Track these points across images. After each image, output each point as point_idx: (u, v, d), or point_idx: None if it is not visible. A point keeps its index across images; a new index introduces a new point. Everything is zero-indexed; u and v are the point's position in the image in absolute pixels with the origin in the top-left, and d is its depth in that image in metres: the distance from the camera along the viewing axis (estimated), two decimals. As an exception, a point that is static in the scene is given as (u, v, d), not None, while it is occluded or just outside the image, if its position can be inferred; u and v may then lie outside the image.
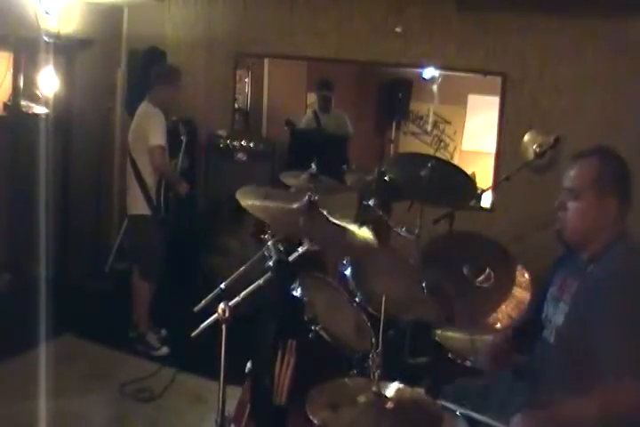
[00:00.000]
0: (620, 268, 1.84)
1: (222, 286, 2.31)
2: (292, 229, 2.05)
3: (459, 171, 3.49)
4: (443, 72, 5.37)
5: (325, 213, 2.09)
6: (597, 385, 1.71)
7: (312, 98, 6.19)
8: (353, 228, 2.22)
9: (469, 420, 1.97)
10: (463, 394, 2.16)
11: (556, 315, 1.97)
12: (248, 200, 2.07)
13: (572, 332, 1.86)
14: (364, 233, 2.18)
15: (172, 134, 4.11)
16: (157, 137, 3.88)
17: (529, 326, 2.25)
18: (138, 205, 3.99)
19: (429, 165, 3.26)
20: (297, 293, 2.52)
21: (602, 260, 1.89)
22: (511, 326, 2.39)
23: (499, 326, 2.80)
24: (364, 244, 2.18)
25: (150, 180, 3.96)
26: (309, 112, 5.90)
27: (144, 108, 3.98)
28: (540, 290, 2.42)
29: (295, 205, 2.08)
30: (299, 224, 2.03)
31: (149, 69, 4.21)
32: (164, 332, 4.17)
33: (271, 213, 2.07)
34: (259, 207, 2.07)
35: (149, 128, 3.89)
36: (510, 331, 2.30)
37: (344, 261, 3.00)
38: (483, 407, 1.99)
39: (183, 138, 4.24)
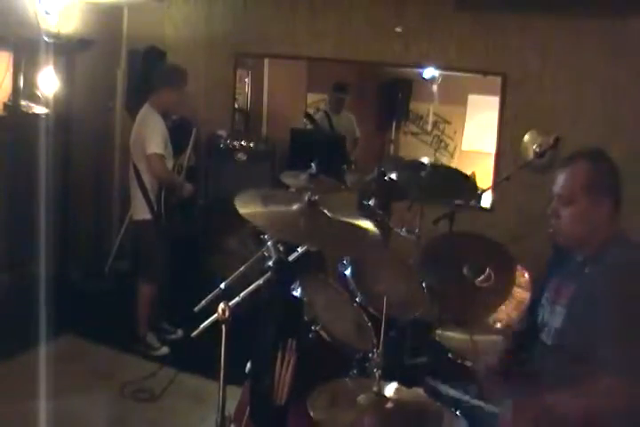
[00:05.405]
0: (618, 267, 1.84)
1: (222, 285, 2.31)
2: (293, 232, 2.03)
3: (458, 172, 3.51)
4: (443, 72, 5.37)
5: (326, 212, 2.08)
6: (588, 382, 1.72)
7: (312, 98, 6.19)
8: (357, 222, 2.18)
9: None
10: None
11: (553, 318, 1.97)
12: (246, 208, 2.03)
13: (570, 333, 1.87)
14: (369, 226, 2.14)
15: (178, 131, 4.08)
16: (154, 145, 3.81)
17: (528, 330, 2.26)
18: (140, 211, 3.97)
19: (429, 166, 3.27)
20: (297, 293, 2.51)
21: (598, 260, 1.89)
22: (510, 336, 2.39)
23: (499, 325, 2.80)
24: (369, 240, 2.15)
25: (150, 185, 3.92)
26: (321, 113, 5.89)
27: (144, 112, 3.92)
28: (536, 294, 2.44)
29: (295, 207, 2.07)
30: (299, 225, 2.02)
31: (149, 69, 4.19)
32: (180, 332, 4.19)
33: (270, 217, 2.05)
34: (257, 214, 2.03)
35: (147, 135, 3.82)
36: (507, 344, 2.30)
37: (344, 261, 3.00)
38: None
39: (193, 131, 4.18)
